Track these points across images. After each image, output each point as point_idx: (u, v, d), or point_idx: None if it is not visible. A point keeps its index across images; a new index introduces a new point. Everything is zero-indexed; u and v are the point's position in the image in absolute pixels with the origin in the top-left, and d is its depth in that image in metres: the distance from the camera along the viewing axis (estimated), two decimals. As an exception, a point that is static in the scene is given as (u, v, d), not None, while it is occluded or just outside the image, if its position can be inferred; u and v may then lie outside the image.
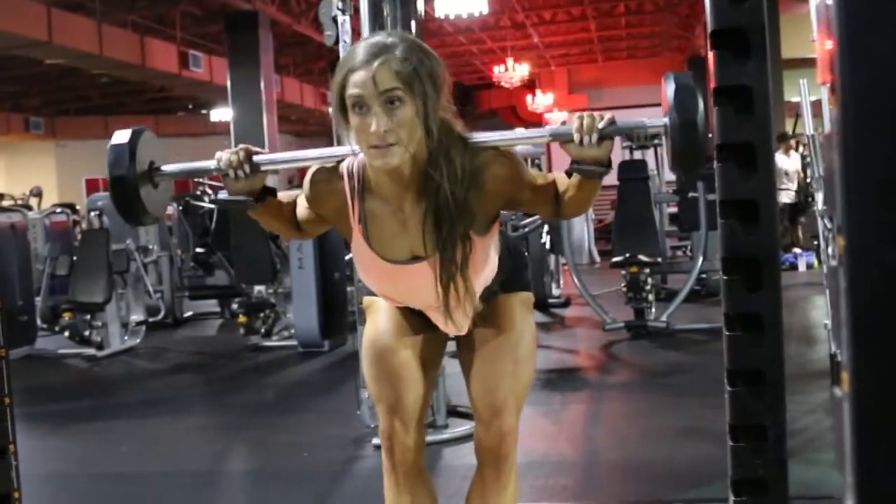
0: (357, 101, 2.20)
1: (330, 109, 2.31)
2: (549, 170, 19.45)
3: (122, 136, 2.48)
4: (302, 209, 2.54)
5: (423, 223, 2.36)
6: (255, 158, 2.39)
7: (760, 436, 2.41)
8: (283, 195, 2.57)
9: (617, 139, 2.29)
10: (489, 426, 2.54)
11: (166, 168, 2.54)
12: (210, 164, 2.41)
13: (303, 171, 2.55)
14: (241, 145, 2.42)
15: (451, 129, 2.33)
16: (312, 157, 2.51)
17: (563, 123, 2.33)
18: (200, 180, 14.02)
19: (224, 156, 2.38)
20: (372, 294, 2.70)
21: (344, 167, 2.42)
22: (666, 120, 2.27)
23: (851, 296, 1.18)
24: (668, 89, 2.27)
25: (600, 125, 2.23)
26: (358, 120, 2.21)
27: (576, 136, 2.24)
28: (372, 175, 2.38)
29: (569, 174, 2.32)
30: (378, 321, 2.65)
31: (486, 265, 2.48)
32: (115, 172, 2.45)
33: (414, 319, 2.63)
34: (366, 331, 2.68)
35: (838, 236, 1.21)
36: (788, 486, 2.46)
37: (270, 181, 2.52)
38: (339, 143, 2.43)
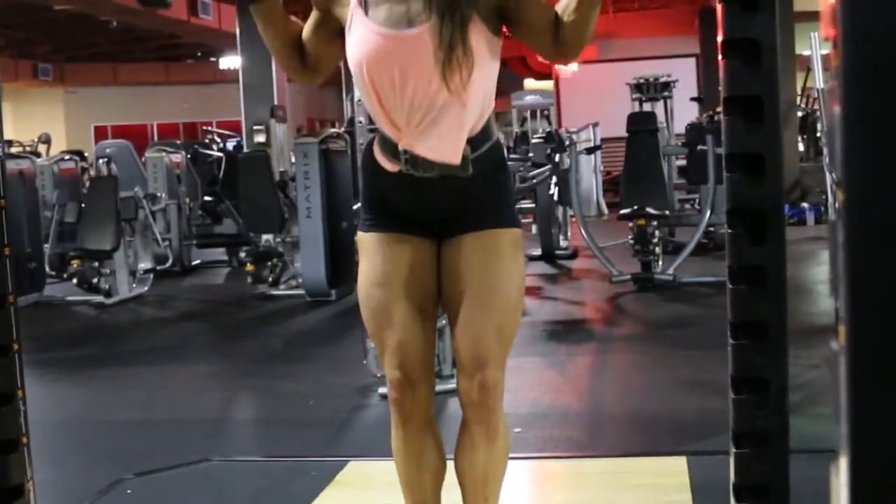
0: None
1: None
2: (559, 121, 19.37)
3: None
4: (308, 24, 2.59)
5: None
6: None
7: (762, 388, 2.41)
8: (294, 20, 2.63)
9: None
10: (472, 378, 2.42)
11: None
12: None
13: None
14: None
15: None
16: None
17: None
18: (209, 129, 13.98)
19: None
20: (365, 227, 2.57)
21: None
22: None
23: (849, 249, 1.18)
24: None
25: None
26: None
27: None
28: None
29: None
30: (372, 273, 2.51)
31: (489, 64, 2.40)
32: None
33: (408, 257, 2.50)
34: (360, 282, 2.54)
35: (837, 190, 1.21)
36: (790, 439, 2.47)
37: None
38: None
